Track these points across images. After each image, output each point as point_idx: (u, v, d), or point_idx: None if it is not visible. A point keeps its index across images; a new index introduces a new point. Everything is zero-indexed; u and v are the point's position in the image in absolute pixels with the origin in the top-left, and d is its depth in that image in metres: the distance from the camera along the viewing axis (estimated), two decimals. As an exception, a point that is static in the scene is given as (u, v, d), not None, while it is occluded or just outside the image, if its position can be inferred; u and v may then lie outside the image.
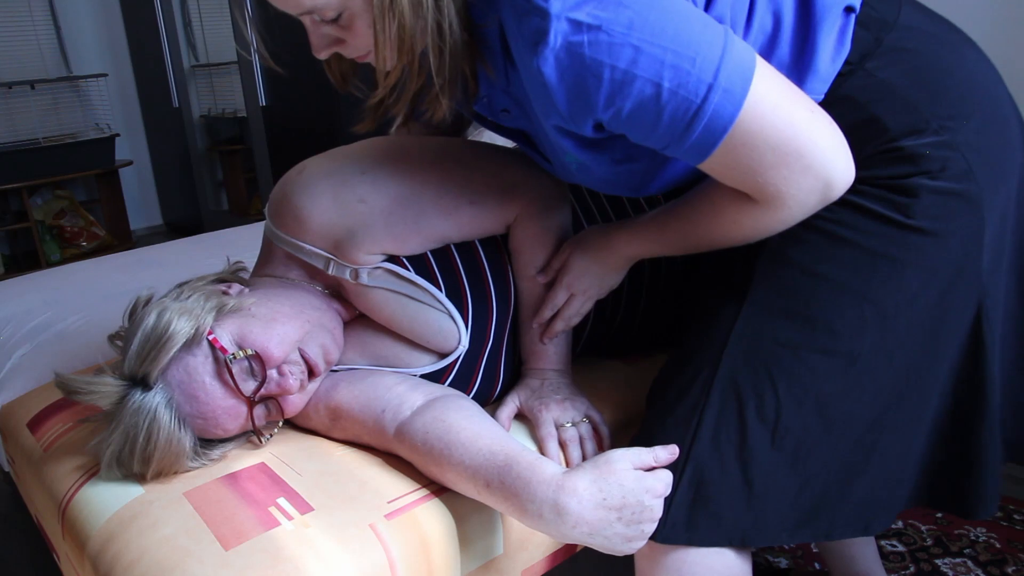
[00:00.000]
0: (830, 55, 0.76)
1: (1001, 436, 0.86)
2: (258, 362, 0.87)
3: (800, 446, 0.79)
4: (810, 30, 0.76)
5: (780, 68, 0.76)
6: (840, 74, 0.77)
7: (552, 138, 0.80)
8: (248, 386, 0.87)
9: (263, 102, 3.37)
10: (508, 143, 1.04)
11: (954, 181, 0.76)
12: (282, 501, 0.84)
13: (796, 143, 0.68)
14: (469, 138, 1.11)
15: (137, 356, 0.84)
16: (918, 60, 0.78)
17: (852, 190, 0.77)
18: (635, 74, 0.64)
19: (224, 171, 4.34)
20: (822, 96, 0.77)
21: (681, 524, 0.80)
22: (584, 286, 0.94)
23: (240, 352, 0.86)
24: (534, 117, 0.80)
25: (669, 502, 0.80)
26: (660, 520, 0.79)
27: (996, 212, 0.79)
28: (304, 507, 0.83)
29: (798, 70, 0.76)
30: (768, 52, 0.76)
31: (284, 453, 0.94)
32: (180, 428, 0.85)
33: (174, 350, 0.84)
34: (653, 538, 0.80)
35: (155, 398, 0.83)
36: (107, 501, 0.86)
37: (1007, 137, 0.81)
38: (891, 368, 0.79)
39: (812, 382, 0.79)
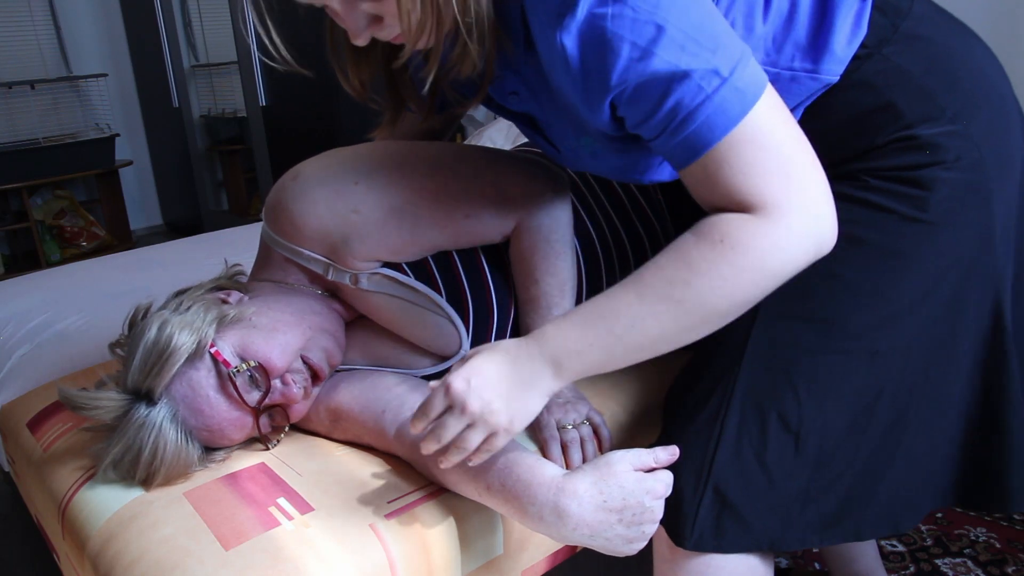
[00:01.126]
0: (846, 37, 0.76)
1: None
2: (261, 373, 0.88)
3: (823, 448, 0.79)
4: (827, 11, 0.76)
5: (796, 49, 0.76)
6: (857, 57, 0.77)
7: (568, 122, 0.78)
8: (252, 397, 0.88)
9: (263, 102, 3.38)
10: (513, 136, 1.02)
11: (967, 172, 0.76)
12: (282, 501, 0.84)
13: (802, 162, 0.66)
14: (469, 140, 1.10)
15: (140, 371, 0.84)
16: (933, 49, 0.79)
17: (865, 186, 0.77)
18: (653, 52, 0.63)
19: (224, 171, 4.34)
20: (838, 77, 0.77)
21: (709, 532, 0.79)
22: (471, 395, 0.70)
23: (243, 364, 0.86)
24: (544, 100, 0.79)
25: (696, 510, 0.79)
26: (688, 528, 0.79)
27: (1003, 205, 0.79)
28: (304, 507, 0.83)
29: (814, 50, 0.76)
30: (785, 32, 0.76)
31: (284, 453, 0.94)
32: (187, 441, 0.86)
33: (177, 365, 0.84)
34: (682, 545, 0.80)
35: (160, 413, 0.84)
36: (107, 501, 0.86)
37: (1011, 132, 0.81)
38: (910, 365, 0.79)
39: (832, 383, 0.79)
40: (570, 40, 0.64)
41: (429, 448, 0.74)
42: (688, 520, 0.79)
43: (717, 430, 0.80)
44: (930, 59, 0.78)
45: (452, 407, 0.72)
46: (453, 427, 0.72)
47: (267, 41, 0.72)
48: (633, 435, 1.01)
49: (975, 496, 0.86)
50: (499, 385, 0.71)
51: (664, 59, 0.63)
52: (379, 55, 0.78)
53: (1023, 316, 0.86)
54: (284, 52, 0.72)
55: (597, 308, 0.70)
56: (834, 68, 0.77)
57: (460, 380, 0.71)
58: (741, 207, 0.66)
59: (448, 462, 0.74)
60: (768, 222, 0.65)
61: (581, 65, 0.66)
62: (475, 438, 0.72)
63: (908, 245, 0.77)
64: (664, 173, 0.86)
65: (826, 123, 0.79)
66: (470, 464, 0.75)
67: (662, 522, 0.81)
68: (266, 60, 0.75)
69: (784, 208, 0.65)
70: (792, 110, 0.79)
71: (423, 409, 0.74)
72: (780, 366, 0.80)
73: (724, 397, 0.81)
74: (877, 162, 0.76)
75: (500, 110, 0.89)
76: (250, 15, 0.72)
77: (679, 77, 0.63)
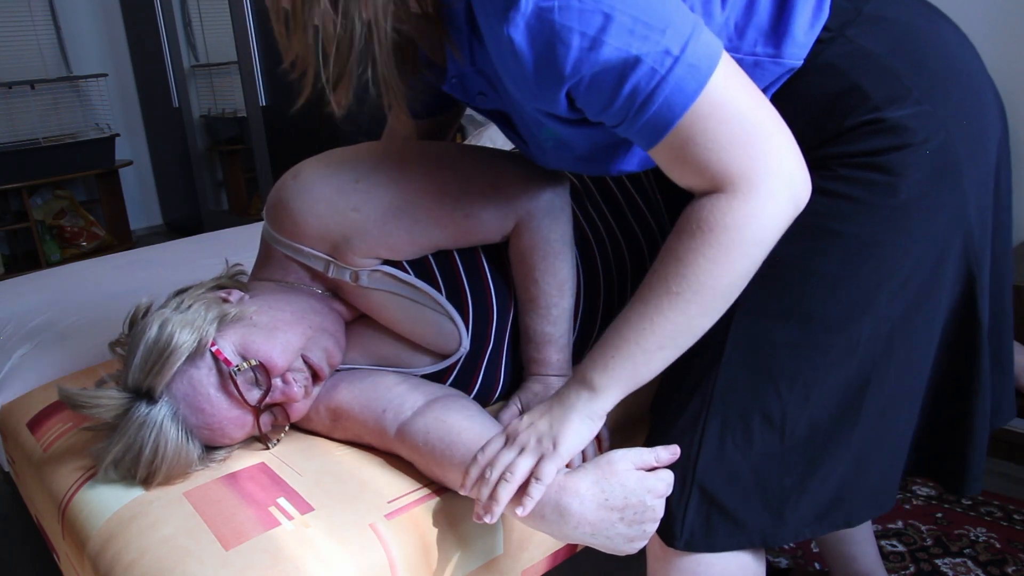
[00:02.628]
0: (808, 20, 0.76)
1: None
2: (262, 372, 0.88)
3: (810, 442, 0.79)
4: None
5: (759, 34, 0.76)
6: (820, 40, 0.77)
7: (528, 116, 0.79)
8: (253, 396, 0.88)
9: (263, 102, 3.38)
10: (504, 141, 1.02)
11: (936, 154, 0.76)
12: (282, 501, 0.84)
13: (765, 126, 0.67)
14: (469, 140, 1.10)
15: (141, 369, 0.84)
16: (897, 30, 0.79)
17: (835, 176, 0.77)
18: (603, 41, 0.63)
19: (224, 171, 4.34)
20: (801, 61, 0.77)
21: (700, 532, 0.79)
22: (522, 424, 0.78)
23: (244, 363, 0.86)
24: (506, 97, 0.80)
25: (684, 511, 0.79)
26: (678, 528, 0.79)
27: (976, 185, 0.79)
28: (304, 507, 0.83)
29: (776, 34, 0.76)
30: (746, 17, 0.76)
31: (284, 453, 0.94)
32: (187, 440, 0.86)
33: (178, 364, 0.84)
34: (673, 546, 0.80)
35: (161, 411, 0.84)
36: (107, 501, 0.86)
37: (984, 110, 0.81)
38: (893, 353, 0.79)
39: (814, 377, 0.79)
40: (518, 34, 0.65)
41: (482, 493, 0.75)
42: (676, 520, 0.80)
43: (699, 431, 0.80)
44: (895, 40, 0.78)
45: (506, 443, 0.77)
46: (504, 459, 0.75)
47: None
48: (630, 434, 1.01)
49: (936, 471, 0.87)
50: (546, 413, 0.78)
51: (615, 46, 0.63)
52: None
53: (999, 299, 0.86)
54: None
55: (612, 326, 0.75)
56: (797, 52, 0.77)
57: (516, 419, 0.79)
58: (712, 183, 0.68)
59: (498, 504, 0.74)
60: (738, 196, 0.67)
61: (532, 58, 0.66)
62: (524, 463, 0.74)
63: (881, 234, 0.77)
64: (631, 163, 0.86)
65: (794, 108, 0.79)
66: (518, 512, 0.74)
67: None
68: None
69: (752, 178, 0.67)
70: None
71: (479, 451, 0.78)
72: (760, 364, 0.80)
73: (704, 398, 0.81)
74: (846, 147, 0.76)
75: (478, 111, 0.90)
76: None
77: (632, 63, 0.64)
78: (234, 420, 0.88)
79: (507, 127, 0.90)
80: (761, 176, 0.67)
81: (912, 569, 1.40)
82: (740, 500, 0.79)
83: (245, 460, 0.92)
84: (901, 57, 0.77)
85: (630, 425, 1.02)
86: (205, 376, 0.85)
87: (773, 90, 0.80)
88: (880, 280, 0.77)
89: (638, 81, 0.65)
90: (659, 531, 0.81)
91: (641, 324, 0.72)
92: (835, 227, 0.77)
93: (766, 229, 0.68)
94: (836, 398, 0.79)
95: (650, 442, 0.86)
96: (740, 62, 0.76)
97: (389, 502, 0.84)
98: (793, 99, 0.79)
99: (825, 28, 0.77)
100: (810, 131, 0.78)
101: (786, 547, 1.50)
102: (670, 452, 0.77)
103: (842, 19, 0.77)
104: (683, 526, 0.79)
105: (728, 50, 0.75)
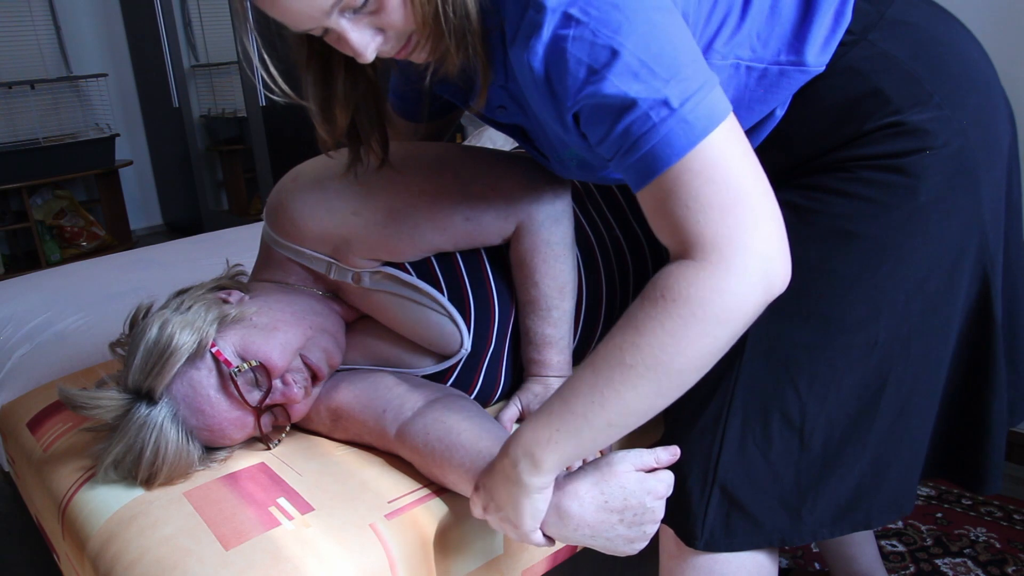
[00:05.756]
0: (830, 26, 0.76)
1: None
2: (262, 372, 0.88)
3: (828, 442, 0.79)
4: (811, 1, 0.76)
5: (782, 43, 0.76)
6: (842, 44, 0.77)
7: (552, 135, 0.79)
8: (253, 396, 0.88)
9: (263, 102, 3.38)
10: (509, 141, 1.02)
11: (955, 158, 0.76)
12: (282, 501, 0.84)
13: (754, 199, 0.63)
14: (469, 140, 1.10)
15: (141, 370, 0.84)
16: (919, 34, 0.79)
17: (854, 178, 0.77)
18: (605, 76, 0.63)
19: (224, 171, 4.35)
20: (823, 67, 0.77)
21: (720, 532, 0.80)
22: (489, 515, 0.77)
23: (244, 364, 0.86)
24: (531, 113, 0.80)
25: (705, 510, 0.79)
26: (698, 528, 0.79)
27: (991, 190, 0.80)
28: (304, 507, 0.83)
29: (798, 41, 0.76)
30: (770, 23, 0.76)
31: (284, 453, 0.94)
32: (188, 441, 0.86)
33: (178, 365, 0.84)
34: (693, 546, 0.80)
35: (161, 412, 0.84)
36: (107, 501, 0.86)
37: (997, 116, 0.81)
38: (911, 354, 0.79)
39: (833, 378, 0.79)
40: (536, 61, 0.66)
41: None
42: (698, 520, 0.79)
43: (720, 431, 0.80)
44: (916, 44, 0.78)
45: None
46: (492, 522, 0.77)
47: (265, 76, 0.74)
48: (633, 435, 1.01)
49: (954, 472, 0.87)
50: (498, 497, 0.74)
51: (615, 84, 0.63)
52: (365, 90, 0.79)
53: (1012, 301, 0.86)
54: (283, 86, 0.75)
55: (561, 391, 0.69)
56: (820, 59, 0.77)
57: (477, 508, 0.77)
58: (683, 246, 0.64)
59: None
60: (708, 267, 0.62)
61: (546, 85, 0.67)
62: (508, 531, 0.76)
63: (899, 236, 0.77)
64: None
65: (814, 110, 0.79)
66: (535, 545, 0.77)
67: (671, 522, 0.81)
68: (268, 94, 0.76)
69: (726, 249, 0.62)
70: (781, 104, 0.80)
71: (471, 503, 0.79)
72: (779, 364, 0.80)
73: (725, 398, 0.81)
74: (866, 149, 0.76)
75: (491, 123, 0.90)
76: (254, 45, 0.74)
77: (628, 104, 0.63)
78: (234, 421, 0.88)
79: (524, 141, 0.90)
80: (736, 249, 0.62)
81: (912, 569, 1.40)
82: (759, 500, 0.79)
83: (245, 460, 0.92)
84: (923, 62, 0.77)
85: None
86: (205, 377, 0.86)
87: (792, 93, 0.80)
88: (898, 281, 0.77)
89: (631, 122, 0.64)
90: (678, 531, 0.81)
91: (591, 397, 0.66)
92: (853, 228, 0.77)
93: (731, 310, 0.63)
94: (854, 398, 0.79)
95: (666, 442, 0.86)
96: (765, 72, 0.76)
97: (389, 502, 0.84)
98: (813, 102, 0.79)
99: (848, 31, 0.77)
100: (830, 134, 0.79)
101: (786, 547, 1.50)
102: (670, 453, 0.77)
103: (864, 23, 0.77)
104: (704, 526, 0.79)
105: (753, 60, 0.76)
